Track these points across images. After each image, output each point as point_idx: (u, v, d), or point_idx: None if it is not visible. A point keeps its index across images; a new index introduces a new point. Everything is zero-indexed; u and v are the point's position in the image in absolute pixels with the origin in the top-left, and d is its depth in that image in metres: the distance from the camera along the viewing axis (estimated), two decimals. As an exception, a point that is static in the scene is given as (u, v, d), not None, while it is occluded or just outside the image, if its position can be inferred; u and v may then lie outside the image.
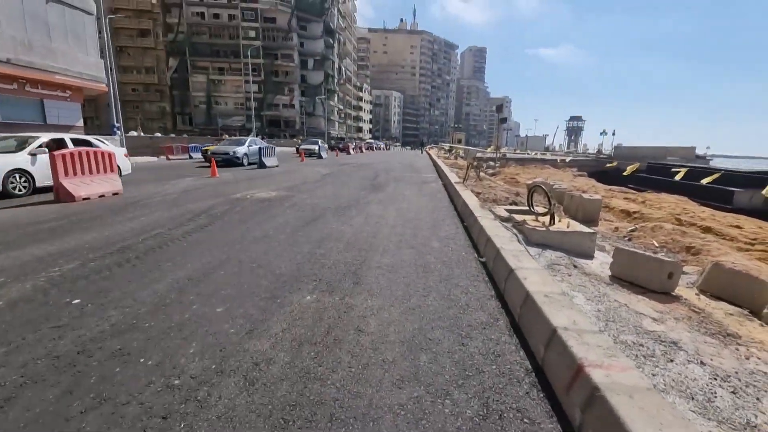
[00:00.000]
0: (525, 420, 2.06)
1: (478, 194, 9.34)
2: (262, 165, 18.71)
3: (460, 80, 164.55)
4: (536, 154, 48.02)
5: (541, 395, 2.26)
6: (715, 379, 2.37)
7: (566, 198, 10.55)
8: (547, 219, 5.76)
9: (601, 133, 52.39)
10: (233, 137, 24.88)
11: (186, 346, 2.72)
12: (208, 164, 18.12)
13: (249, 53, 50.48)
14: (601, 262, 5.03)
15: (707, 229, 8.96)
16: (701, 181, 10.29)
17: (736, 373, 2.52)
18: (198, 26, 65.57)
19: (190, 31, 64.76)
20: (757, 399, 2.21)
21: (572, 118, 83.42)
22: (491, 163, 27.33)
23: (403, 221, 7.16)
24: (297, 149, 32.17)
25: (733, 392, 2.24)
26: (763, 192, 8.57)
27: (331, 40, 74.27)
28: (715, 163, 37.49)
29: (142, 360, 2.54)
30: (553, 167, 33.80)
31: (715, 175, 10.58)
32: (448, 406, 2.14)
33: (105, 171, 9.79)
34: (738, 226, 9.42)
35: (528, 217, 6.14)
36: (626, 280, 4.28)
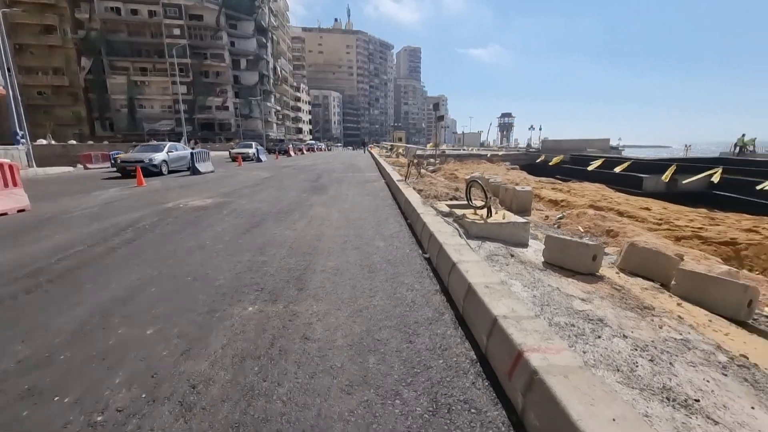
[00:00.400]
0: (472, 410, 2.11)
1: (419, 191, 9.53)
2: (195, 171, 17.58)
3: (398, 80, 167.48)
4: (473, 149, 50.26)
5: (486, 383, 2.34)
6: (636, 349, 2.61)
7: (501, 191, 11.14)
8: (484, 212, 6.01)
9: (529, 128, 56.14)
10: (149, 144, 22.23)
11: (111, 376, 2.45)
12: (119, 175, 16.70)
13: (174, 52, 47.15)
14: (535, 250, 5.35)
15: (623, 213, 9.94)
16: (615, 170, 11.49)
17: (653, 342, 2.79)
18: (114, 23, 59.96)
19: (105, 28, 59.04)
20: (671, 364, 2.47)
21: (503, 115, 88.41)
22: (431, 160, 28.11)
23: (347, 222, 7.10)
24: (230, 153, 30.16)
25: (651, 360, 2.47)
26: (663, 177, 9.78)
27: (263, 39, 71.76)
28: (627, 153, 41.83)
29: (56, 398, 2.25)
30: (488, 162, 35.59)
31: (626, 164, 11.90)
32: (398, 407, 2.14)
33: (6, 185, 8.61)
34: (647, 208, 10.56)
35: (467, 211, 6.37)
36: (558, 265, 4.59)
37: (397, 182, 11.21)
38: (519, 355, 2.10)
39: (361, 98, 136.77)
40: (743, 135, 27.22)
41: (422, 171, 16.27)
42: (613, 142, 45.24)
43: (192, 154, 18.03)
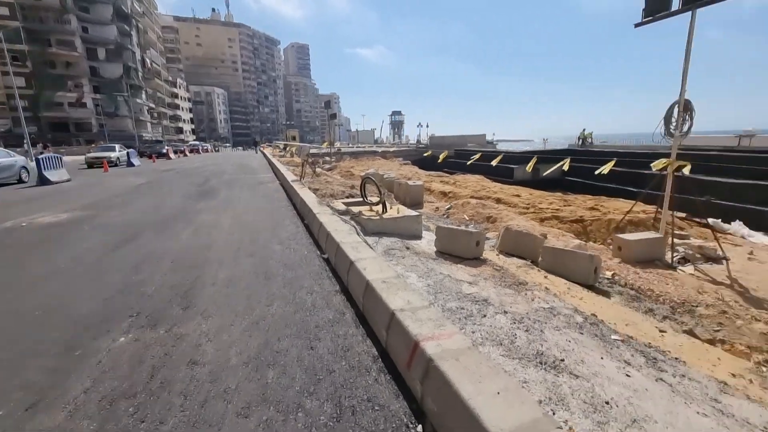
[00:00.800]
0: (376, 407, 2.13)
1: (315, 190, 9.38)
2: (44, 181, 14.53)
3: (287, 77, 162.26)
4: (367, 147, 51.44)
5: (388, 378, 2.39)
6: (515, 323, 2.93)
7: (395, 186, 11.61)
8: (380, 208, 6.17)
9: (417, 126, 59.51)
10: None
11: None
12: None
13: (2, 36, 38.18)
14: (428, 241, 5.68)
15: (499, 200, 11.22)
16: (491, 163, 12.97)
17: (527, 314, 3.18)
18: None
19: None
20: (541, 331, 2.83)
21: (393, 113, 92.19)
22: (327, 158, 27.97)
23: (240, 228, 6.63)
24: (86, 159, 23.92)
25: (526, 331, 2.81)
26: (527, 168, 11.40)
27: (126, 27, 62.52)
28: (500, 147, 47.31)
29: None
30: (383, 158, 36.82)
31: (499, 157, 13.55)
32: (301, 419, 2.05)
33: None
34: (518, 195, 12.09)
35: (363, 208, 6.47)
36: (448, 253, 4.94)
37: (291, 183, 10.86)
38: (416, 345, 2.18)
39: (249, 95, 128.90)
40: (584, 129, 33.25)
41: (318, 170, 16.07)
42: (488, 137, 50.68)
43: (38, 160, 14.86)
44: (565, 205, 10.47)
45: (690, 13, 5.21)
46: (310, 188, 9.75)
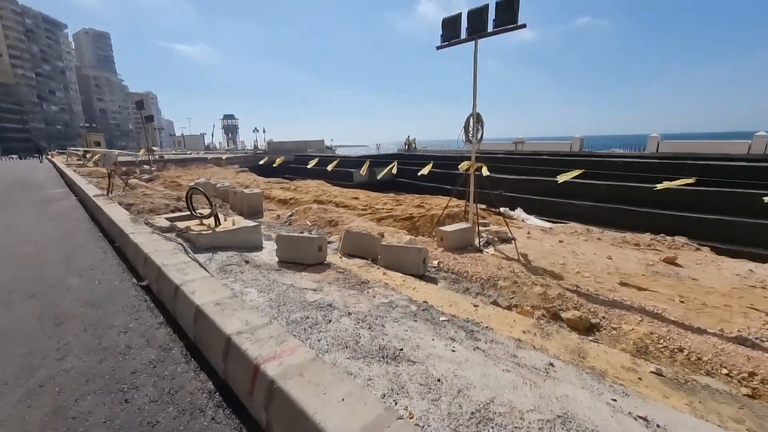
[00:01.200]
0: (214, 450, 1.88)
1: (129, 206, 7.87)
2: None
3: (83, 69, 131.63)
4: (197, 153, 46.20)
5: (228, 412, 2.13)
6: (358, 323, 3.03)
7: (231, 195, 10.75)
8: (212, 221, 5.58)
9: (254, 131, 56.36)
10: None
11: None
12: None
13: None
14: (270, 251, 5.41)
15: (339, 204, 11.60)
16: (328, 168, 13.31)
17: (370, 311, 3.33)
18: None
19: None
20: (383, 326, 3.00)
21: (226, 117, 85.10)
22: (146, 167, 23.91)
23: (15, 263, 5.01)
24: None
25: (369, 328, 2.93)
26: (361, 171, 12.22)
27: None
28: (339, 152, 49.21)
29: None
30: (216, 166, 33.62)
31: (335, 162, 14.01)
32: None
33: None
34: (356, 198, 12.75)
35: (192, 223, 5.74)
36: (291, 262, 4.80)
37: (95, 198, 8.84)
38: (256, 369, 2.01)
39: (24, 89, 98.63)
40: (408, 136, 37.73)
41: (133, 181, 13.59)
42: (327, 143, 52.06)
43: None
44: (397, 205, 11.55)
45: (474, 42, 6.40)
46: (121, 203, 8.12)
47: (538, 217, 12.86)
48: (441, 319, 3.34)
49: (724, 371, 3.18)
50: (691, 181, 6.28)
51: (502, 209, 10.29)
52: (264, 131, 59.13)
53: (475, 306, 4.01)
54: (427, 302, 3.80)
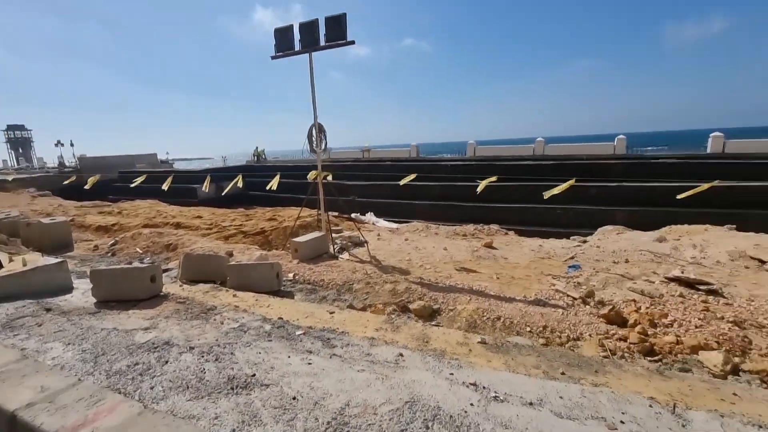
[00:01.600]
0: None
1: None
2: None
3: None
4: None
5: None
6: (202, 356, 2.72)
7: (22, 228, 8.42)
8: (-13, 264, 4.26)
9: (56, 144, 44.71)
10: None
11: None
12: None
13: None
14: (83, 291, 4.42)
15: (179, 225, 10.29)
16: (163, 186, 11.49)
17: (217, 341, 3.03)
18: None
19: None
20: (232, 354, 2.77)
21: (11, 127, 65.48)
22: None
23: None
24: None
25: (216, 360, 2.66)
26: (203, 187, 11.14)
27: None
28: (177, 165, 43.62)
29: None
30: (1, 191, 25.79)
31: (170, 178, 12.15)
32: None
33: None
34: (199, 216, 11.53)
35: (-47, 271, 4.27)
36: (115, 300, 4.02)
37: None
38: (58, 445, 1.60)
39: None
40: (257, 147, 36.09)
41: None
42: (161, 156, 45.46)
43: None
44: (247, 220, 10.87)
45: (308, 54, 6.52)
46: None
47: (386, 218, 13.90)
48: (297, 333, 3.28)
49: (528, 329, 3.99)
50: (494, 179, 7.72)
51: (353, 214, 10.76)
52: (72, 144, 47.19)
53: (332, 313, 4.07)
54: (282, 318, 3.68)
